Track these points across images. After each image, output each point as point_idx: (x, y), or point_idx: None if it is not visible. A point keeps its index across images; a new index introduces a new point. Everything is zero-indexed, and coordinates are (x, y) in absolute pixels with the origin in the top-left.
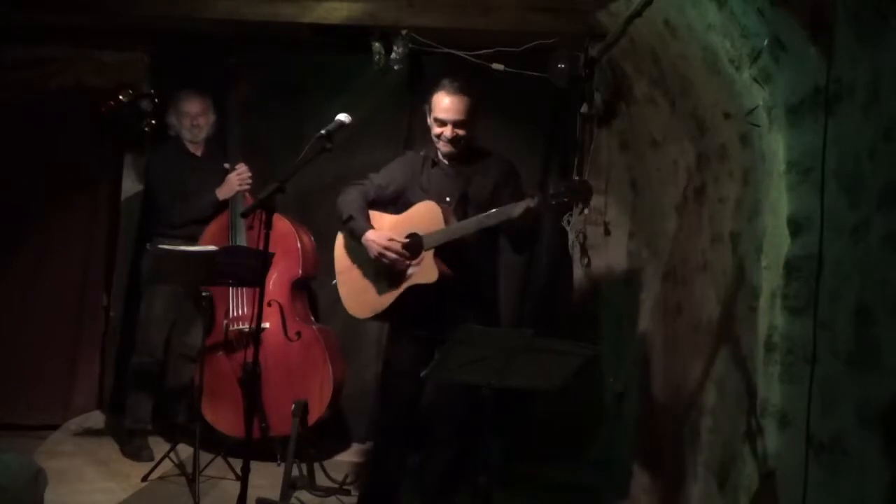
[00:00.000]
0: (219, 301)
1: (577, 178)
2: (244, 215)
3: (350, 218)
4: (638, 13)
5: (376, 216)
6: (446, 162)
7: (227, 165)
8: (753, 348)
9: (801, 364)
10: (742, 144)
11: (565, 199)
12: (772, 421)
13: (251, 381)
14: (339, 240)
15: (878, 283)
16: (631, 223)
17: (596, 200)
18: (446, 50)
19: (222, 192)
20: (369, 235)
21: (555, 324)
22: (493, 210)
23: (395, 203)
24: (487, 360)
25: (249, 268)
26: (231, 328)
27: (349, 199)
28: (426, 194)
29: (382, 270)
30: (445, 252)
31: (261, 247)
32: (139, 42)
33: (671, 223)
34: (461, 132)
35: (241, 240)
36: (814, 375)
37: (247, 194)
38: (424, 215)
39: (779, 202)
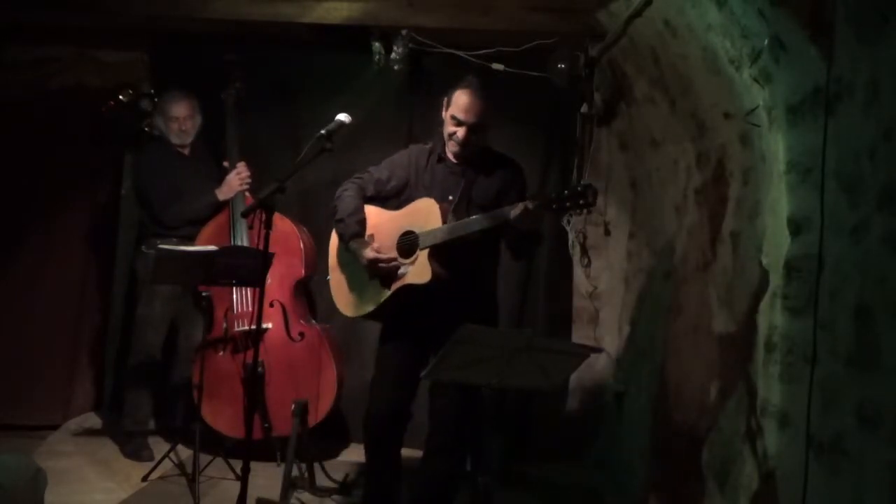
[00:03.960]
0: (223, 301)
1: (580, 181)
2: (244, 215)
3: (341, 220)
4: (638, 13)
5: (375, 212)
6: (453, 159)
7: (226, 164)
8: (753, 348)
9: (801, 364)
10: (742, 144)
11: (567, 205)
12: (772, 421)
13: (253, 381)
14: (334, 237)
15: (878, 283)
16: (631, 223)
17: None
18: (446, 50)
19: (223, 193)
20: (353, 245)
21: (555, 324)
22: (491, 212)
23: (398, 197)
24: (487, 361)
25: (249, 268)
26: (234, 328)
27: (345, 199)
28: (428, 190)
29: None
30: (441, 252)
31: (261, 247)
32: (139, 42)
33: (671, 223)
34: (474, 136)
35: (243, 240)
36: (814, 375)
37: (247, 194)
38: (423, 212)
39: (779, 202)
